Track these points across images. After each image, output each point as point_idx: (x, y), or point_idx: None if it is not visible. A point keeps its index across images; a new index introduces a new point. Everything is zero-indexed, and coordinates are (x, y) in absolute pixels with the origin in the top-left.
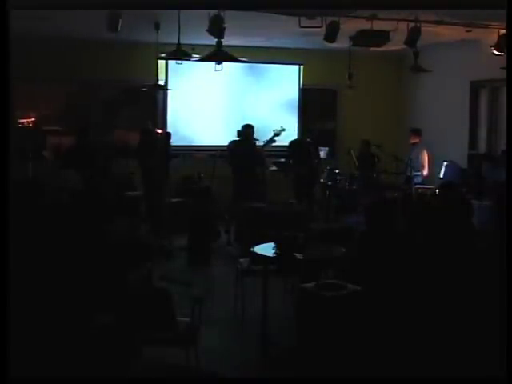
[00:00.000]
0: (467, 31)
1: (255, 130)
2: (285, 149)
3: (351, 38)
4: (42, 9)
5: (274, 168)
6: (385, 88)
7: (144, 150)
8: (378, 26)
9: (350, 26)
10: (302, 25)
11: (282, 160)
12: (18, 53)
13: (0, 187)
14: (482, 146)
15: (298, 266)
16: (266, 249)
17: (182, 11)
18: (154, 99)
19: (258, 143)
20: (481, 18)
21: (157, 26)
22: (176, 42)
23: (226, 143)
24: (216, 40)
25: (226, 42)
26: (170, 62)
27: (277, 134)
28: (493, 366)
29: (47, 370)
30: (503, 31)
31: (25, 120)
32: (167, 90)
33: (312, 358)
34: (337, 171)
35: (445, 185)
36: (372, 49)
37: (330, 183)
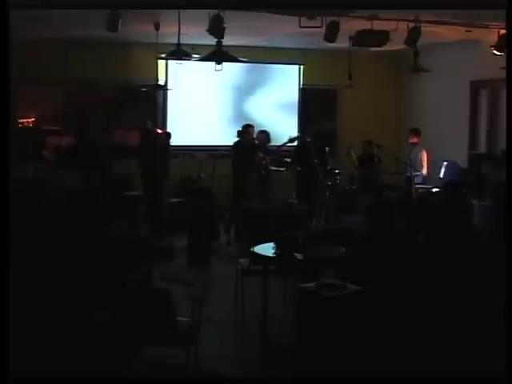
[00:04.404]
0: (467, 31)
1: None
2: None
3: (351, 38)
4: (41, 9)
5: (272, 168)
6: (385, 88)
7: (144, 150)
8: (378, 25)
9: (350, 26)
10: (301, 25)
11: (286, 160)
12: (18, 53)
13: (0, 187)
14: (482, 146)
15: (298, 266)
16: (266, 249)
17: (182, 11)
18: (154, 99)
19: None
20: (481, 18)
21: (157, 26)
22: (176, 41)
23: (226, 143)
24: (216, 40)
25: (226, 42)
26: (169, 61)
27: (291, 140)
28: (493, 365)
29: (47, 369)
30: (503, 31)
31: (25, 120)
32: (167, 89)
33: (312, 358)
34: (337, 171)
35: (449, 184)
36: (372, 49)
37: (329, 183)
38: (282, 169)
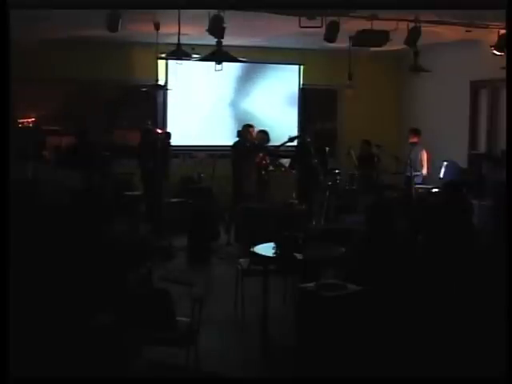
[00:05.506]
0: (467, 31)
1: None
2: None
3: (351, 38)
4: (41, 9)
5: (271, 168)
6: (385, 88)
7: (144, 150)
8: (378, 25)
9: (350, 26)
10: (301, 25)
11: (281, 161)
12: (18, 53)
13: (0, 187)
14: (482, 146)
15: (298, 266)
16: (266, 249)
17: (182, 11)
18: (154, 99)
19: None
20: (481, 18)
21: (157, 26)
22: (176, 41)
23: (226, 143)
24: (216, 40)
25: (226, 42)
26: (169, 61)
27: (291, 140)
28: (493, 365)
29: (47, 369)
30: (503, 31)
31: (25, 120)
32: (167, 89)
33: (312, 358)
34: (337, 171)
35: (449, 184)
36: (372, 49)
37: (329, 183)
38: (271, 168)
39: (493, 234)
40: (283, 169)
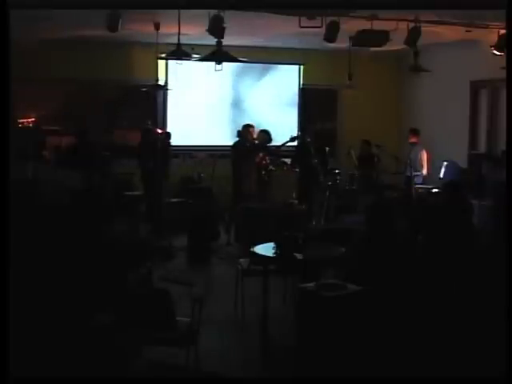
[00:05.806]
0: (467, 31)
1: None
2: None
3: (351, 38)
4: (42, 9)
5: (272, 168)
6: (385, 88)
7: (144, 150)
8: (378, 25)
9: (350, 25)
10: (302, 25)
11: (284, 160)
12: (18, 53)
13: (0, 187)
14: (482, 146)
15: (298, 266)
16: (266, 249)
17: (182, 11)
18: (154, 99)
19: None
20: (481, 18)
21: (157, 26)
22: (176, 41)
23: (226, 143)
24: (216, 40)
25: (226, 41)
26: (169, 61)
27: (292, 139)
28: (493, 365)
29: (47, 369)
30: (503, 31)
31: (25, 120)
32: (167, 89)
33: (312, 358)
34: (337, 171)
35: (449, 184)
36: (372, 49)
37: (329, 183)
38: (272, 167)
39: (493, 234)
40: (285, 167)
